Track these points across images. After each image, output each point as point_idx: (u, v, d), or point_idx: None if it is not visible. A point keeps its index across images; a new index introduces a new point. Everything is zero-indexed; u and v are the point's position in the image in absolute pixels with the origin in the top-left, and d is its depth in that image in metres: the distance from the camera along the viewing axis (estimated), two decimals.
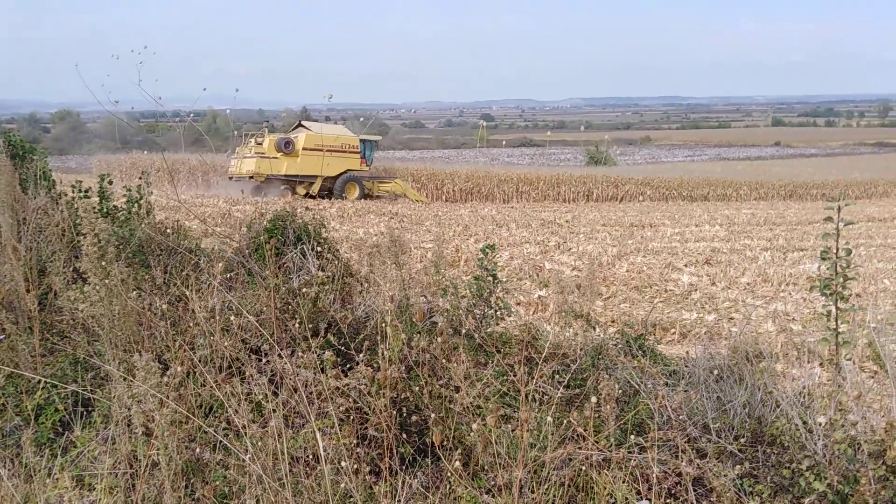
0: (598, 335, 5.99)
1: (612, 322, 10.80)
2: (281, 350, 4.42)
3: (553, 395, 4.30)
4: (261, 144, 33.71)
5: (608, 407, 3.82)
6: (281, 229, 7.27)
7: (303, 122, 37.49)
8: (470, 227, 23.58)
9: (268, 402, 4.07)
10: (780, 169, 61.52)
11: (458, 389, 4.33)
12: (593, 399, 3.80)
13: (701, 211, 34.57)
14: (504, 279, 6.32)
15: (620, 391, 4.83)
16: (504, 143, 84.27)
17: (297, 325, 4.85)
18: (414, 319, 5.57)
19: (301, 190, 34.00)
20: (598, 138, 79.37)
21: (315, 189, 34.24)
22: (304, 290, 5.56)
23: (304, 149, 33.68)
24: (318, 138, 34.15)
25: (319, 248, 7.06)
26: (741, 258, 17.65)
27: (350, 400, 4.21)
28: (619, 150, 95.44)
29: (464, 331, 5.47)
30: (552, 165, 61.65)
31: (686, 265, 16.38)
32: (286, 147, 33.30)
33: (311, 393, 4.13)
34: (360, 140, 35.62)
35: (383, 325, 4.58)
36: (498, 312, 5.95)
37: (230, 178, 34.01)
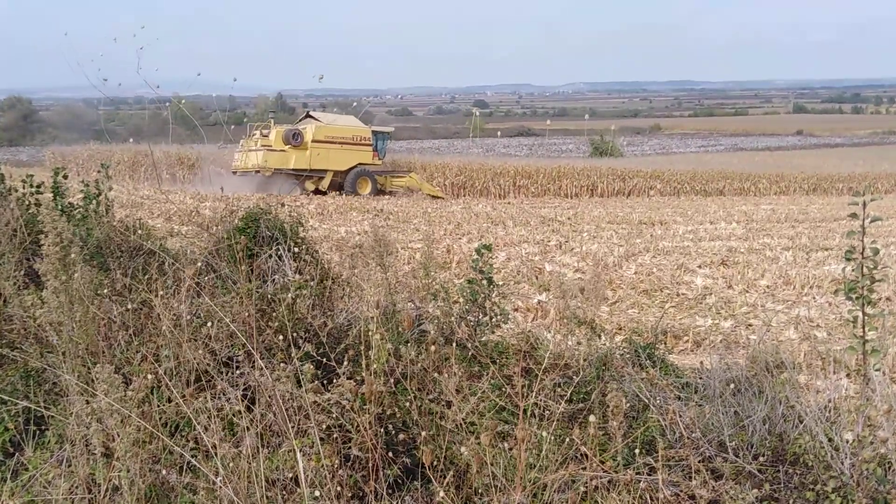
0: (604, 344, 6.00)
1: (619, 329, 10.81)
2: (255, 361, 4.42)
3: (554, 409, 4.31)
4: (267, 136, 34.15)
5: (615, 423, 3.83)
6: (254, 228, 7.27)
7: (311, 113, 37.99)
8: (462, 226, 23.57)
9: (241, 418, 4.07)
10: (803, 160, 61.77)
11: (449, 404, 4.33)
12: (593, 417, 3.82)
13: (716, 207, 34.66)
14: (500, 282, 6.33)
15: (628, 405, 4.84)
16: (499, 132, 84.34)
17: (272, 334, 4.85)
18: (401, 327, 5.58)
19: (310, 185, 34.49)
20: (603, 127, 79.54)
21: (325, 184, 34.75)
22: (279, 295, 5.55)
23: (313, 141, 34.21)
24: (328, 130, 34.78)
25: (296, 249, 7.06)
26: (760, 258, 17.70)
27: (331, 416, 4.21)
28: (626, 139, 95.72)
29: (456, 340, 5.48)
30: (552, 157, 61.74)
31: (700, 266, 16.41)
32: (294, 139, 33.84)
33: (288, 409, 4.13)
34: (373, 132, 36.25)
35: (367, 333, 4.59)
36: (493, 319, 5.96)
37: (234, 173, 34.46)
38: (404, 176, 37.51)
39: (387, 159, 38.79)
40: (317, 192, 34.43)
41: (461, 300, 6.06)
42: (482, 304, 5.93)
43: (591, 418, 3.77)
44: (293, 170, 33.92)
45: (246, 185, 32.61)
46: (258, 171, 33.43)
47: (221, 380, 4.45)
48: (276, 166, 33.46)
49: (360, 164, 35.32)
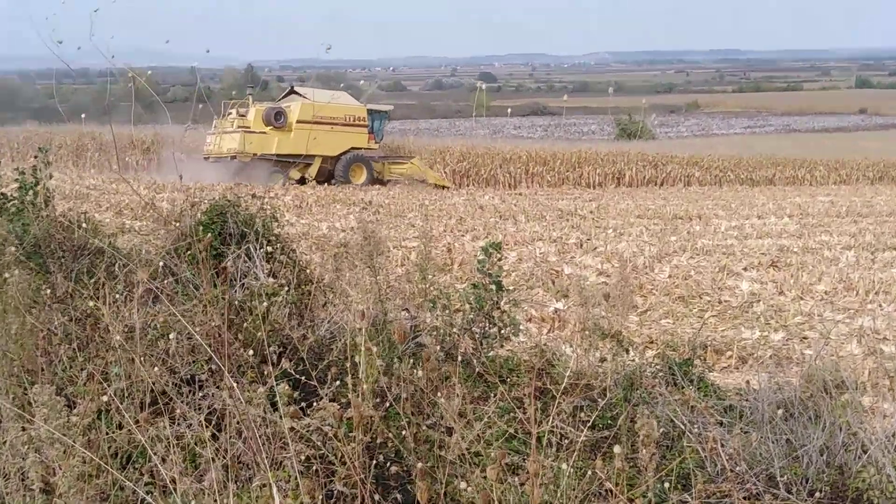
0: (633, 360, 6.00)
1: (651, 343, 10.80)
2: (221, 381, 4.42)
3: (574, 438, 4.31)
4: (245, 116, 34.28)
5: (645, 454, 3.83)
6: (220, 223, 7.27)
7: (296, 88, 38.15)
8: (466, 220, 23.57)
9: (205, 448, 4.07)
10: (868, 144, 61.67)
11: (450, 431, 4.33)
12: (619, 448, 3.82)
13: (765, 198, 34.64)
14: (511, 287, 6.33)
15: (661, 433, 4.83)
16: (510, 110, 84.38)
17: (242, 349, 4.85)
18: (394, 340, 5.58)
19: (295, 173, 34.69)
20: (632, 104, 79.42)
21: (312, 172, 34.92)
22: (250, 302, 5.55)
23: (298, 121, 34.35)
24: (317, 108, 34.86)
25: (270, 248, 7.06)
26: (817, 259, 17.69)
27: (312, 445, 4.21)
28: (659, 119, 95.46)
29: (458, 355, 5.48)
30: (572, 139, 61.69)
31: (746, 269, 16.41)
32: (277, 119, 33.98)
33: (261, 436, 4.13)
34: (368, 110, 36.38)
35: (354, 347, 4.59)
36: (503, 331, 5.96)
37: (206, 158, 34.37)
38: (405, 162, 37.62)
39: (384, 142, 38.85)
40: (303, 181, 34.49)
41: (465, 308, 6.06)
42: (489, 312, 5.93)
43: (617, 448, 3.77)
44: (275, 155, 33.96)
45: (220, 172, 32.66)
46: (234, 157, 33.45)
47: (182, 402, 4.45)
48: (255, 151, 33.50)
49: (353, 148, 35.42)
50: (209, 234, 6.81)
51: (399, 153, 39.90)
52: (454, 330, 5.87)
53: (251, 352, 4.97)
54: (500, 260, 6.06)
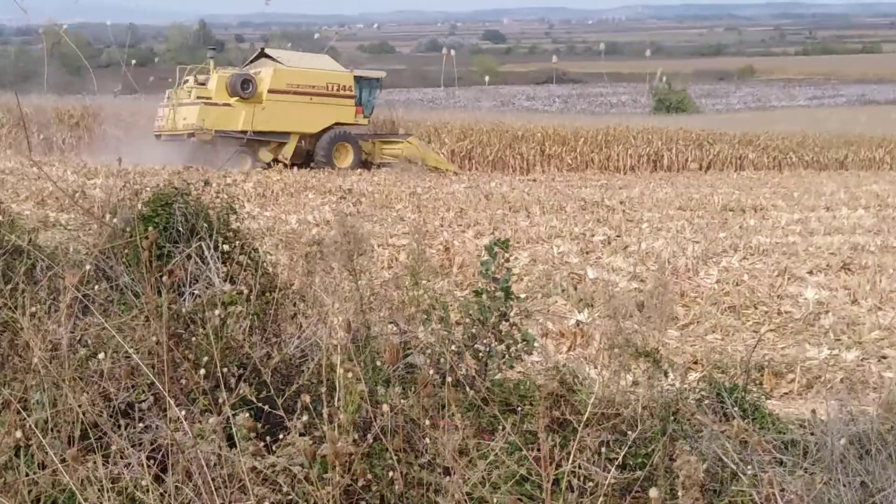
0: (672, 384, 6.01)
1: (694, 364, 10.81)
2: (167, 410, 4.42)
3: (600, 479, 4.32)
4: (204, 85, 34.36)
5: (686, 498, 3.84)
6: (165, 216, 7.27)
7: (267, 51, 38.29)
8: (467, 213, 23.59)
9: (146, 492, 4.07)
10: None
11: (448, 472, 4.33)
12: (656, 491, 3.82)
13: (835, 186, 34.70)
14: (522, 295, 6.34)
15: (707, 473, 4.84)
16: (526, 77, 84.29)
17: (192, 370, 4.85)
18: (379, 360, 5.58)
19: (266, 154, 34.77)
20: (673, 70, 79.54)
21: (288, 152, 35.08)
22: (202, 313, 5.55)
23: (270, 91, 34.48)
24: (292, 75, 35.03)
25: (227, 247, 7.06)
26: None
27: (278, 490, 4.22)
28: (705, 88, 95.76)
29: (458, 378, 5.48)
30: (598, 114, 61.86)
31: (811, 272, 16.43)
32: (244, 88, 34.06)
33: (215, 478, 4.13)
34: (356, 78, 36.50)
35: (330, 369, 4.59)
36: (512, 349, 5.97)
37: (157, 137, 34.24)
38: (401, 141, 37.77)
39: (375, 116, 38.85)
40: (273, 163, 34.46)
41: (466, 320, 6.07)
42: (495, 326, 5.94)
43: (653, 492, 3.77)
44: (242, 132, 33.43)
45: (174, 153, 32.36)
46: (192, 135, 33.38)
47: (118, 436, 4.45)
48: (217, 128, 33.43)
49: (337, 123, 35.62)
50: (153, 231, 6.82)
51: (393, 130, 39.89)
52: (453, 347, 5.87)
53: (203, 374, 4.97)
54: (508, 261, 6.06)
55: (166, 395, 4.58)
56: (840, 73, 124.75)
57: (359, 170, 34.69)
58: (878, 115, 64.73)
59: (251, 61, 37.60)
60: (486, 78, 78.81)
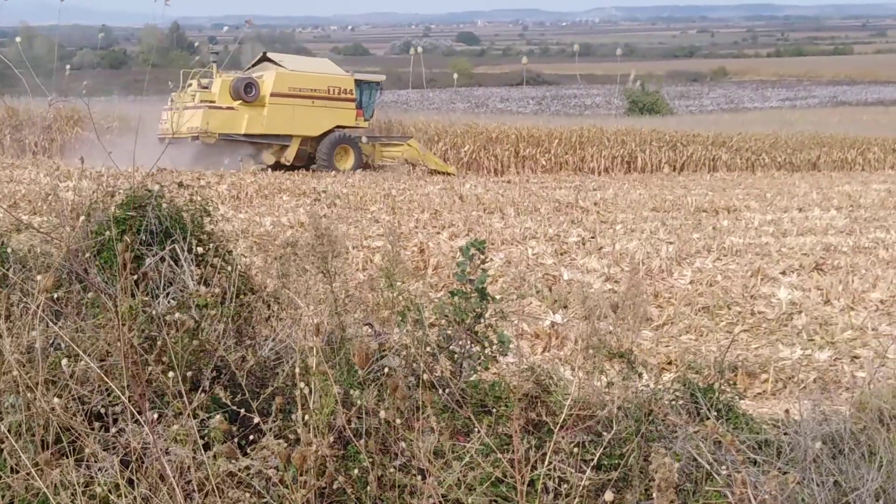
0: (647, 385, 6.02)
1: (669, 364, 10.84)
2: (140, 413, 4.39)
3: (575, 481, 4.32)
4: (208, 89, 34.56)
5: (663, 499, 3.85)
6: (139, 219, 7.23)
7: (269, 55, 38.38)
8: (442, 214, 23.59)
9: (120, 496, 4.05)
10: None
11: (424, 474, 4.33)
12: (631, 496, 3.83)
13: (807, 187, 34.86)
14: (497, 296, 6.34)
15: (681, 474, 4.85)
16: (500, 79, 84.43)
17: (166, 373, 4.83)
18: (354, 363, 5.57)
19: (269, 157, 35.07)
20: (646, 71, 79.72)
21: (290, 155, 35.34)
22: (176, 316, 5.53)
23: (272, 94, 34.76)
24: (294, 79, 35.34)
25: (201, 249, 7.03)
26: (870, 261, 17.79)
27: (253, 492, 4.20)
28: (678, 89, 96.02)
29: (433, 380, 5.47)
30: (572, 115, 61.88)
31: (784, 273, 16.49)
32: (247, 92, 34.35)
33: (189, 482, 4.12)
34: (356, 82, 36.81)
35: (305, 371, 4.57)
36: (488, 350, 5.96)
37: (161, 139, 34.32)
38: (401, 144, 38.07)
39: (374, 119, 39.17)
40: (278, 166, 34.82)
41: (441, 322, 6.06)
42: (472, 327, 5.93)
43: (629, 497, 3.78)
44: (246, 135, 34.40)
45: (178, 156, 32.51)
46: (196, 138, 33.65)
47: (92, 440, 4.42)
48: (221, 131, 33.80)
49: (338, 126, 35.91)
50: (129, 234, 6.79)
51: (397, 133, 40.35)
52: (428, 349, 5.86)
53: (177, 377, 4.95)
54: (484, 262, 6.06)
55: (127, 399, 4.56)
56: (812, 74, 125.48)
57: (331, 174, 34.72)
58: (849, 117, 65.14)
59: (253, 65, 37.86)
60: (455, 76, 78.70)
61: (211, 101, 34.06)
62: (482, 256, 6.02)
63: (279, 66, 36.24)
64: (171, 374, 4.80)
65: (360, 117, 36.86)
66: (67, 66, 38.84)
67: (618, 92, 73.00)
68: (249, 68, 37.63)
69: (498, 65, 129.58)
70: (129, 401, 4.64)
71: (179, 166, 29.99)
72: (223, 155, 33.36)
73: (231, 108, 34.15)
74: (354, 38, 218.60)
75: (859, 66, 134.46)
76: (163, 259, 6.74)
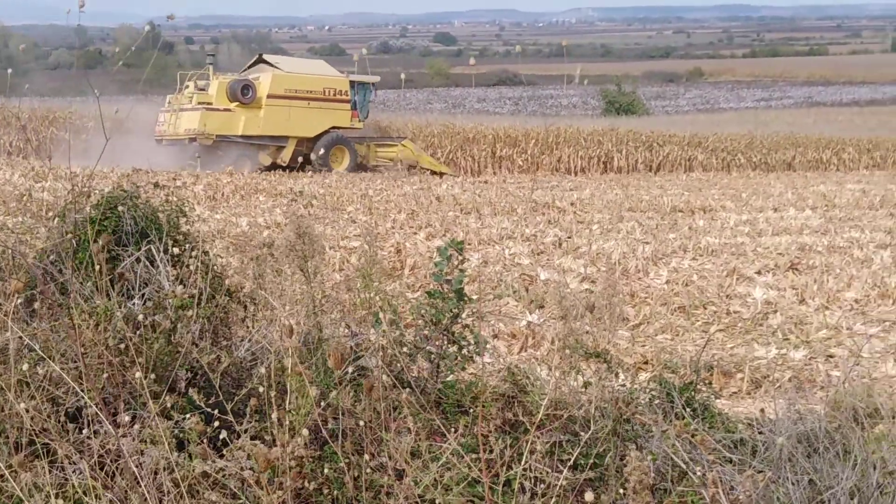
0: (623, 385, 6.02)
1: (645, 364, 10.85)
2: (115, 415, 4.38)
3: (552, 480, 4.32)
4: (205, 91, 34.98)
5: (638, 500, 3.85)
6: (115, 219, 7.21)
7: (265, 56, 38.70)
8: (418, 215, 23.57)
9: (95, 498, 4.03)
10: None
11: (401, 475, 4.32)
12: (606, 497, 3.83)
13: (782, 187, 34.98)
14: (474, 296, 6.33)
15: (657, 473, 4.85)
16: (473, 79, 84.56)
17: (141, 375, 4.81)
18: (330, 363, 5.56)
19: (266, 158, 35.47)
20: (622, 72, 79.89)
21: (286, 156, 35.74)
22: (152, 317, 5.51)
23: (269, 96, 35.15)
24: (290, 80, 35.75)
25: (177, 250, 7.01)
26: (845, 261, 17.87)
27: (229, 494, 4.19)
28: (655, 90, 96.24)
29: (410, 381, 5.47)
30: (548, 115, 61.88)
31: (760, 272, 16.54)
32: (244, 94, 34.70)
33: (164, 483, 4.10)
34: (351, 83, 37.15)
35: (281, 372, 4.56)
36: (465, 350, 5.96)
37: (158, 141, 34.65)
38: (395, 144, 38.30)
39: (368, 120, 39.39)
40: (273, 166, 35.23)
41: (418, 323, 6.05)
42: (448, 328, 5.93)
43: (604, 499, 3.78)
44: (243, 137, 34.72)
45: (176, 158, 33.09)
46: (194, 140, 34.00)
47: (65, 442, 4.40)
48: (218, 132, 34.20)
49: (334, 127, 36.23)
50: (106, 234, 6.76)
51: (392, 134, 40.70)
52: (405, 349, 5.85)
53: (153, 378, 4.93)
54: (461, 263, 6.05)
55: (101, 401, 4.54)
56: (787, 75, 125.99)
57: (308, 174, 34.78)
58: (824, 117, 65.46)
59: (249, 67, 38.15)
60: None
61: (208, 103, 34.44)
62: (460, 257, 6.02)
63: (275, 67, 36.59)
64: (144, 375, 4.79)
65: (356, 118, 37.21)
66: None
67: (594, 93, 73.19)
68: (245, 70, 37.90)
69: (474, 66, 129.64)
70: (105, 402, 4.62)
71: (176, 167, 30.29)
72: (220, 156, 33.81)
73: (228, 110, 34.51)
74: (331, 39, 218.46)
75: (834, 66, 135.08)
76: (138, 260, 6.72)
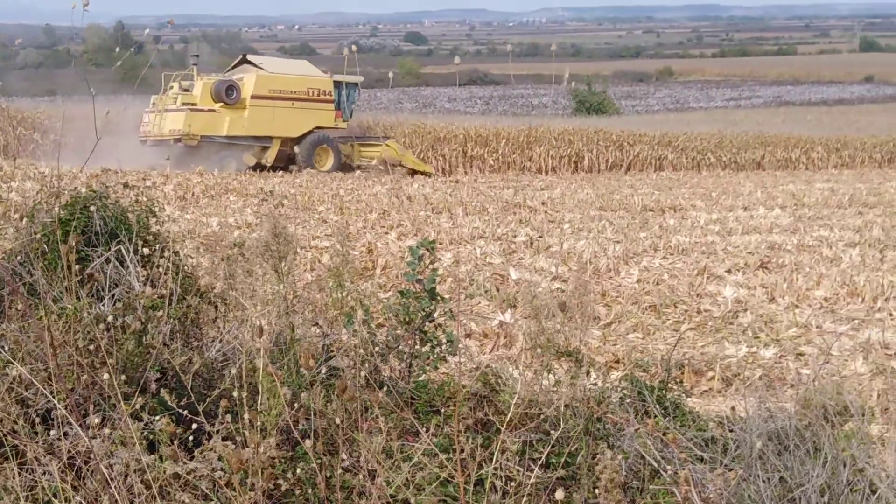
0: (594, 384, 6.03)
1: (616, 363, 10.88)
2: (85, 416, 4.35)
3: (523, 480, 4.32)
4: (189, 91, 35.11)
5: (610, 498, 3.86)
6: (84, 220, 7.17)
7: (248, 57, 38.95)
8: (390, 214, 23.56)
9: (64, 500, 4.01)
10: (875, 118, 62.82)
11: (373, 475, 4.31)
12: (577, 495, 3.83)
13: (752, 186, 35.12)
14: (446, 295, 6.33)
15: (629, 472, 4.86)
16: (448, 79, 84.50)
17: (111, 375, 4.78)
18: (301, 363, 5.55)
19: (250, 158, 35.58)
20: (592, 71, 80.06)
21: (270, 157, 36.01)
22: (123, 318, 5.48)
23: (253, 97, 35.41)
24: (274, 81, 36.08)
25: (147, 250, 6.99)
26: (814, 259, 17.96)
27: (200, 495, 4.17)
28: (625, 89, 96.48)
29: (382, 381, 5.46)
30: (519, 115, 61.97)
31: (730, 271, 16.61)
32: (228, 94, 34.98)
33: (135, 485, 4.08)
34: (335, 83, 37.41)
35: (252, 373, 4.55)
36: (437, 350, 5.96)
37: (143, 142, 34.74)
38: (378, 144, 38.51)
39: (352, 120, 39.83)
40: (258, 167, 35.40)
41: (390, 322, 6.05)
42: (420, 327, 5.93)
43: (576, 497, 3.79)
44: (227, 137, 34.90)
45: (160, 158, 32.96)
46: (179, 140, 34.13)
47: (35, 444, 4.37)
48: (203, 133, 34.42)
49: (318, 127, 36.50)
50: (75, 234, 6.72)
51: (376, 134, 40.95)
52: (377, 349, 5.85)
53: (124, 379, 4.91)
54: (434, 262, 6.06)
55: (72, 402, 4.52)
56: (756, 74, 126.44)
57: (279, 174, 34.77)
58: (793, 116, 65.68)
59: (233, 67, 38.31)
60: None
61: (192, 104, 34.61)
62: (431, 256, 6.02)
63: (259, 68, 36.78)
64: (115, 376, 4.76)
65: (339, 118, 37.46)
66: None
67: (565, 92, 73.27)
68: (229, 70, 38.06)
69: (445, 64, 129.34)
70: (75, 403, 4.60)
71: (157, 168, 30.31)
72: (204, 157, 33.92)
73: (212, 111, 34.73)
74: (301, 38, 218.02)
75: (803, 66, 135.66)
76: (108, 260, 6.68)
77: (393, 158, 37.91)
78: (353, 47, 43.72)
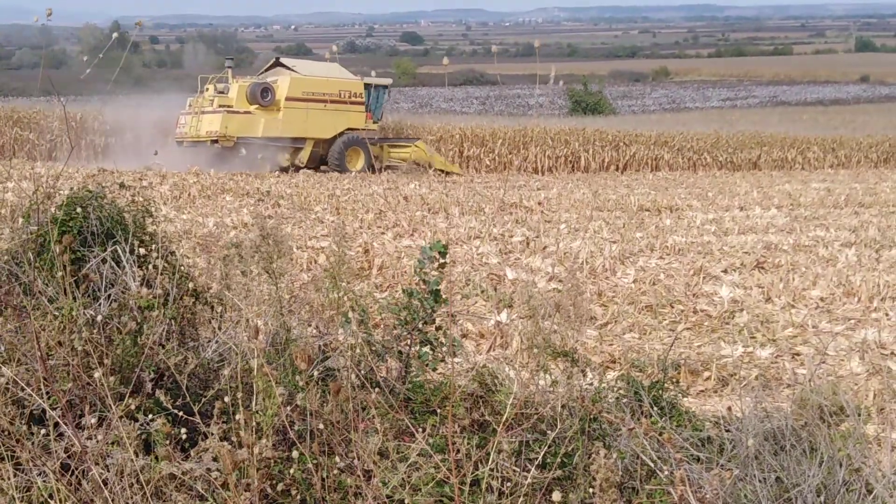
0: (590, 384, 6.03)
1: (612, 363, 10.88)
2: (80, 417, 4.34)
3: (519, 480, 4.31)
4: (224, 94, 35.73)
5: (605, 498, 3.85)
6: (80, 220, 7.15)
7: (282, 60, 39.66)
8: (386, 215, 23.54)
9: (59, 502, 4.00)
10: (870, 118, 62.92)
11: (369, 475, 4.31)
12: (574, 495, 3.83)
13: (748, 186, 35.16)
14: (444, 296, 6.33)
15: (625, 472, 4.86)
16: (446, 78, 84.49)
17: (107, 376, 4.77)
18: (298, 364, 5.54)
19: (284, 159, 36.09)
20: (588, 71, 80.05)
21: (304, 157, 36.62)
22: (118, 319, 5.47)
23: (287, 99, 36.05)
24: (308, 83, 36.70)
25: (143, 251, 6.97)
26: (811, 259, 17.97)
27: (196, 495, 4.16)
28: (621, 90, 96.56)
29: (378, 381, 5.45)
30: (515, 115, 62.02)
31: (726, 271, 16.61)
32: (264, 96, 35.61)
33: (131, 485, 4.07)
34: (365, 85, 37.98)
35: (248, 373, 4.54)
36: (438, 351, 5.95)
37: (179, 143, 35.15)
38: (409, 145, 39.19)
39: (384, 121, 40.52)
40: (291, 168, 35.70)
41: (388, 322, 6.04)
42: (419, 327, 5.92)
43: (572, 497, 3.78)
44: (262, 138, 35.26)
45: (197, 159, 33.71)
46: (216, 142, 34.72)
47: (30, 444, 4.36)
48: (239, 134, 34.87)
49: (349, 129, 36.97)
50: (69, 235, 6.70)
51: (405, 135, 41.71)
52: (374, 349, 5.84)
53: (119, 380, 4.90)
54: (443, 266, 6.06)
55: (78, 402, 4.51)
56: (752, 74, 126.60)
57: (275, 174, 34.86)
58: (789, 116, 65.84)
59: (266, 70, 38.89)
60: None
61: (229, 106, 35.15)
62: (443, 259, 6.03)
63: (293, 71, 37.35)
64: (112, 377, 4.76)
65: (370, 119, 37.95)
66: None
67: (561, 92, 73.30)
68: (262, 73, 38.59)
69: (441, 64, 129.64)
70: (70, 404, 4.59)
71: (195, 169, 31.14)
72: (240, 157, 34.04)
73: (248, 112, 35.31)
74: (297, 38, 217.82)
75: (799, 66, 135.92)
76: (104, 260, 6.67)
77: (422, 159, 38.43)
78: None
